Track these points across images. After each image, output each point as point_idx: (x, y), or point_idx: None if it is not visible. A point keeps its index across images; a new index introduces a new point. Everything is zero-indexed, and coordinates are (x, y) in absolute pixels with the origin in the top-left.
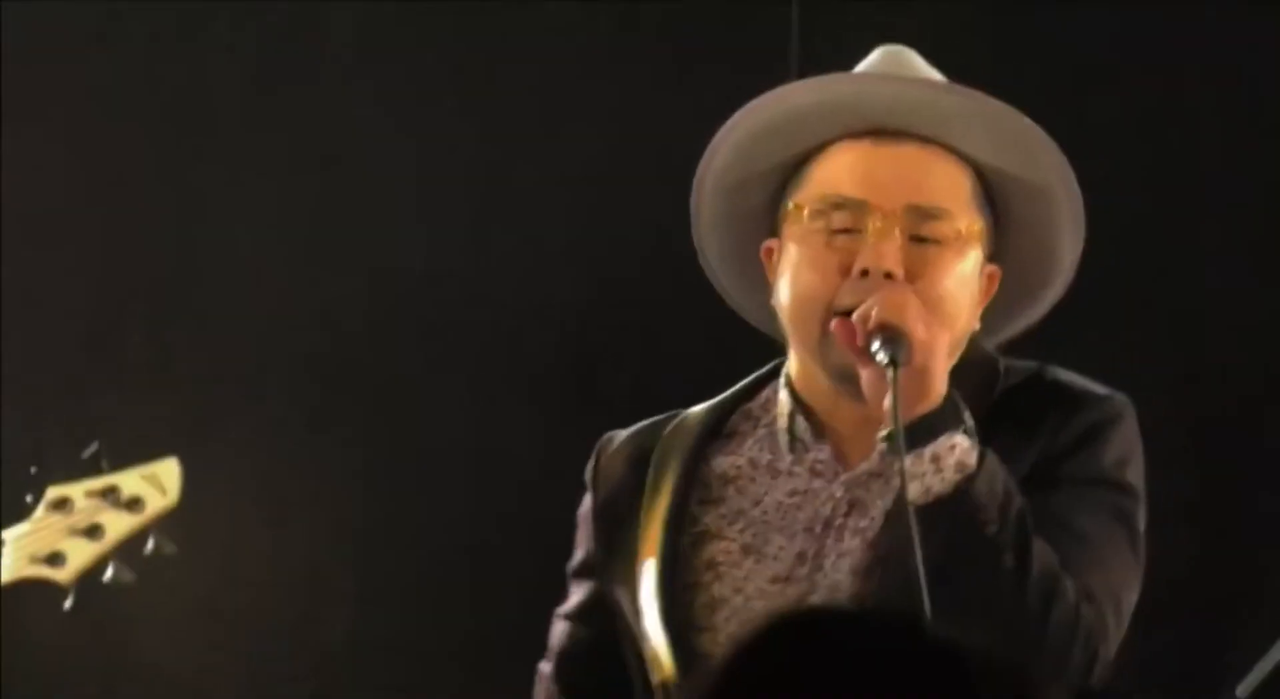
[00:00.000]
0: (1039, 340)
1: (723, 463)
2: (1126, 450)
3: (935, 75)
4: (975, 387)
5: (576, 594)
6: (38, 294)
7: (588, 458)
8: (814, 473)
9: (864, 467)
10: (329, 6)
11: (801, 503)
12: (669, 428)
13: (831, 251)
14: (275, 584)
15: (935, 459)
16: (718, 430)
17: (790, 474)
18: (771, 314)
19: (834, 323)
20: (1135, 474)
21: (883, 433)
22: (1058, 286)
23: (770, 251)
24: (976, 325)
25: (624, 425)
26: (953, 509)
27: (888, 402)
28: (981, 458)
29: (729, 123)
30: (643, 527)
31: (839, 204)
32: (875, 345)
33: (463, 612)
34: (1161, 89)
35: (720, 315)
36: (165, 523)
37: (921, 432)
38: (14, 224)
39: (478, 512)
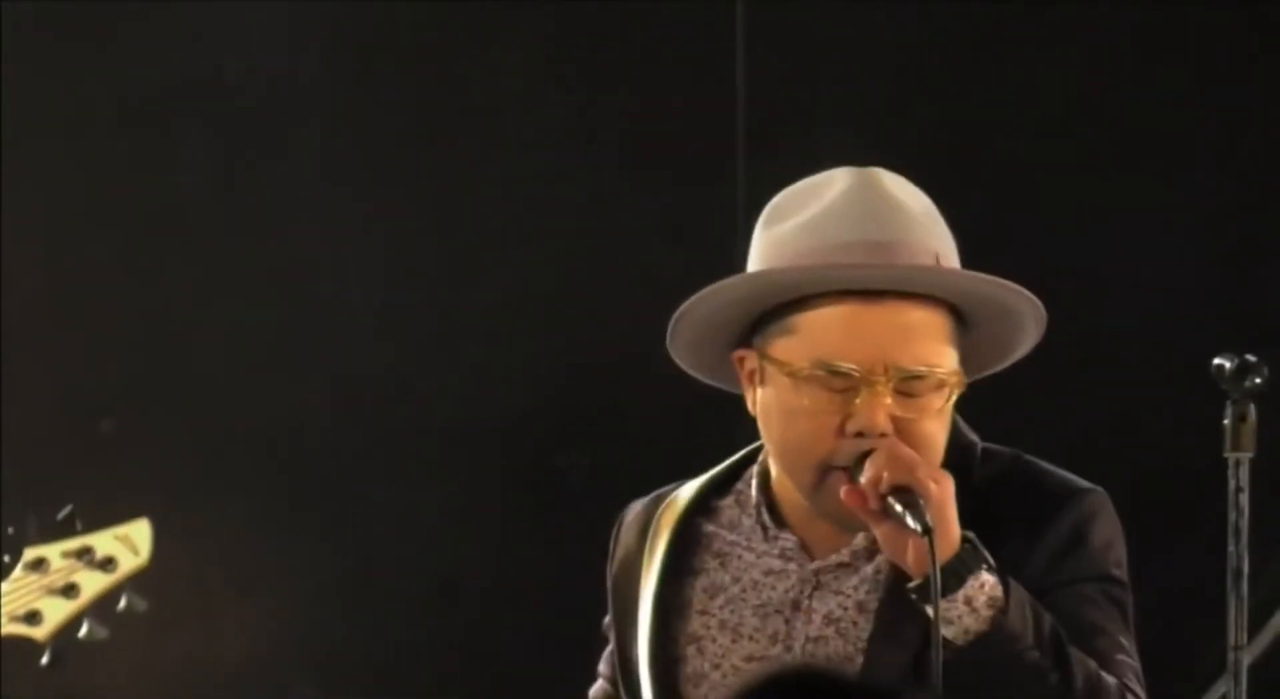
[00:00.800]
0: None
1: (708, 538)
2: (1109, 541)
3: (908, 200)
4: (951, 470)
5: (606, 652)
6: (23, 377)
7: (546, 536)
8: (785, 557)
9: (835, 558)
10: (297, 120)
11: (775, 583)
12: (665, 501)
13: (825, 406)
14: (247, 643)
15: (968, 601)
16: (705, 506)
17: (765, 554)
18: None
19: (844, 491)
20: (1120, 562)
21: (912, 585)
22: (1008, 363)
23: (742, 359)
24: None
25: (579, 509)
26: (994, 644)
27: (911, 558)
28: (1007, 588)
29: (722, 285)
30: (641, 597)
31: (833, 371)
32: (899, 509)
33: (430, 679)
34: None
35: (671, 405)
36: (137, 581)
37: (949, 578)
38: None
39: (443, 583)
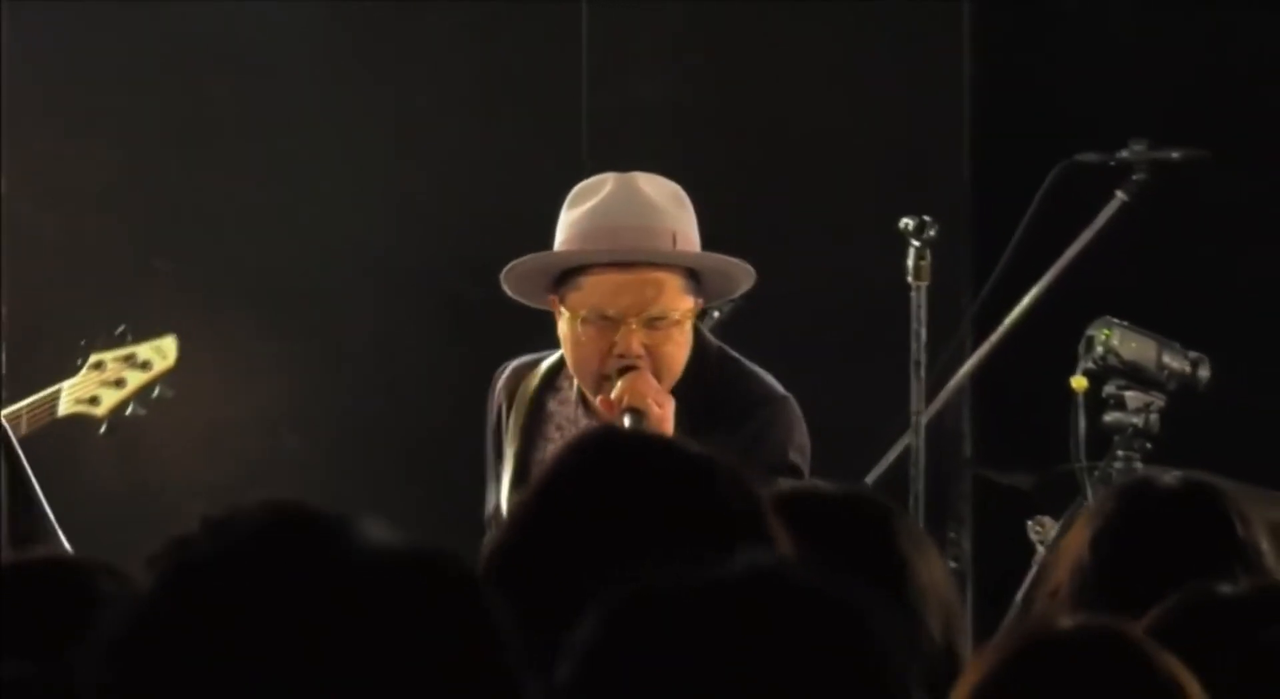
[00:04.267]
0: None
1: (551, 414)
2: (789, 435)
3: (655, 195)
4: (689, 375)
5: (490, 497)
6: (104, 235)
7: (457, 349)
8: None
9: None
10: (291, 58)
11: None
12: (529, 374)
13: (597, 338)
14: (251, 408)
15: None
16: (551, 384)
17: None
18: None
19: (598, 399)
20: (800, 454)
21: None
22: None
23: (553, 301)
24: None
25: (481, 329)
26: None
27: None
28: None
29: (529, 258)
30: (505, 454)
31: (604, 316)
32: (627, 421)
33: (377, 432)
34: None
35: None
36: (166, 378)
37: None
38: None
39: (383, 371)
